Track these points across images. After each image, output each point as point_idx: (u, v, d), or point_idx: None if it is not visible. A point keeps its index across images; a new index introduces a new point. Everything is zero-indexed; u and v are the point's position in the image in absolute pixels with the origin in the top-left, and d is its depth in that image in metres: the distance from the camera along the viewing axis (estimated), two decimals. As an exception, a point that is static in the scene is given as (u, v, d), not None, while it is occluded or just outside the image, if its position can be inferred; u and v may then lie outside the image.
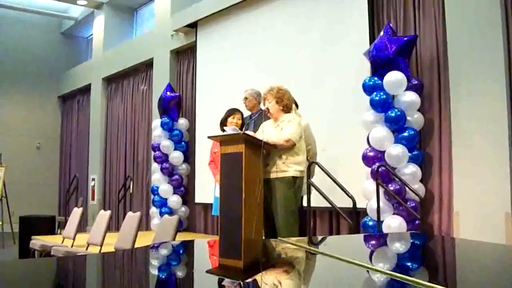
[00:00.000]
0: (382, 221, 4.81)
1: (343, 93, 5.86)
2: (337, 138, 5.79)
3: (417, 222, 4.83)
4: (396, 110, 4.89)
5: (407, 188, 4.82)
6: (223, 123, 5.44)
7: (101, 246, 5.37)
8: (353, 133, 5.55)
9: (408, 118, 4.95)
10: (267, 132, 4.48)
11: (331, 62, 6.06)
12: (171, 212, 7.94)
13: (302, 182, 4.51)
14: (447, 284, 1.44)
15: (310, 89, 6.14)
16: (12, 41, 12.86)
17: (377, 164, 4.83)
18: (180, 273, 1.68)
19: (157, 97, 8.55)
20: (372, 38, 5.57)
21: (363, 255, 2.00)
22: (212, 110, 7.68)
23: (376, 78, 5.03)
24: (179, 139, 8.25)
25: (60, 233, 8.23)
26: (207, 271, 1.70)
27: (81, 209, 6.76)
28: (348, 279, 1.49)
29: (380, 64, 5.03)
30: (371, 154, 5.02)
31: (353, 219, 4.80)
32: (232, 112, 5.52)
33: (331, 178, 4.75)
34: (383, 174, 4.84)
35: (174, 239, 4.44)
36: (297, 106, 5.13)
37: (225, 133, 4.80)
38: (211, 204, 6.09)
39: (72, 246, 6.08)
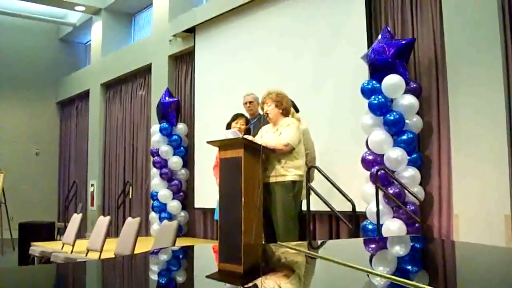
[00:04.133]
0: (382, 225, 4.81)
1: (342, 97, 5.87)
2: (336, 141, 5.79)
3: (416, 225, 4.83)
4: (394, 113, 4.90)
5: (406, 191, 4.82)
6: (228, 128, 5.44)
7: (100, 252, 5.36)
8: (352, 137, 5.55)
9: (407, 121, 4.96)
10: (266, 137, 4.48)
11: (330, 66, 6.07)
12: (170, 217, 7.93)
13: (301, 186, 4.50)
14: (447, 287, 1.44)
15: (309, 93, 6.15)
16: (10, 47, 12.87)
17: (376, 167, 4.83)
18: (180, 279, 1.68)
19: (156, 102, 8.56)
20: (370, 41, 5.58)
21: (363, 259, 2.00)
22: (211, 115, 7.69)
23: (374, 82, 5.04)
24: (178, 144, 8.25)
25: (59, 239, 8.21)
26: (207, 276, 1.69)
27: (80, 215, 6.74)
28: (348, 283, 1.49)
29: (378, 67, 5.04)
30: (370, 157, 5.02)
31: (353, 223, 4.80)
32: (236, 117, 5.51)
33: (331, 182, 4.75)
34: (382, 178, 4.84)
35: (174, 245, 4.43)
36: (297, 110, 5.12)
37: (224, 137, 4.80)
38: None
39: (71, 252, 6.07)
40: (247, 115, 5.54)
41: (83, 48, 14.12)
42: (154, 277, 1.70)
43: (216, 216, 5.68)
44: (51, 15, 12.96)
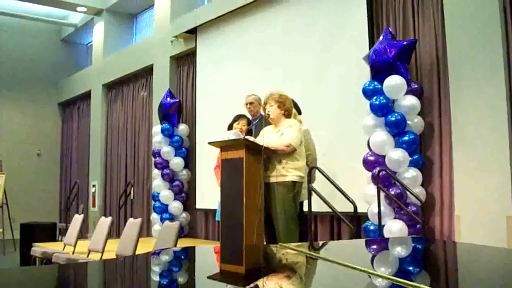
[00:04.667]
0: (383, 226, 4.81)
1: (343, 98, 5.86)
2: (338, 142, 5.79)
3: (418, 226, 4.82)
4: (396, 114, 4.89)
5: (408, 192, 4.82)
6: (229, 129, 5.44)
7: (102, 252, 5.37)
8: (354, 138, 5.55)
9: (408, 122, 4.96)
10: (267, 137, 4.48)
11: (331, 67, 6.07)
12: (172, 218, 7.93)
13: (301, 188, 4.49)
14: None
15: (310, 94, 6.14)
16: (12, 48, 12.89)
17: (378, 168, 4.83)
18: (181, 280, 1.68)
19: (157, 103, 8.56)
20: (371, 42, 5.58)
21: (365, 260, 2.00)
22: (212, 115, 7.69)
23: (376, 83, 5.04)
24: (179, 145, 8.26)
25: (61, 240, 8.22)
26: (209, 277, 1.69)
27: (82, 215, 6.75)
28: (350, 285, 1.49)
29: (379, 68, 5.04)
30: (372, 158, 5.02)
31: (354, 224, 4.79)
32: (237, 117, 5.51)
33: (332, 182, 4.74)
34: (384, 179, 4.84)
35: (175, 245, 4.44)
36: (299, 112, 5.12)
37: (225, 138, 4.80)
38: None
39: (73, 253, 6.07)
40: (249, 116, 5.54)
41: (84, 49, 14.14)
42: (155, 278, 1.70)
43: (218, 217, 5.68)
44: (52, 16, 12.98)
